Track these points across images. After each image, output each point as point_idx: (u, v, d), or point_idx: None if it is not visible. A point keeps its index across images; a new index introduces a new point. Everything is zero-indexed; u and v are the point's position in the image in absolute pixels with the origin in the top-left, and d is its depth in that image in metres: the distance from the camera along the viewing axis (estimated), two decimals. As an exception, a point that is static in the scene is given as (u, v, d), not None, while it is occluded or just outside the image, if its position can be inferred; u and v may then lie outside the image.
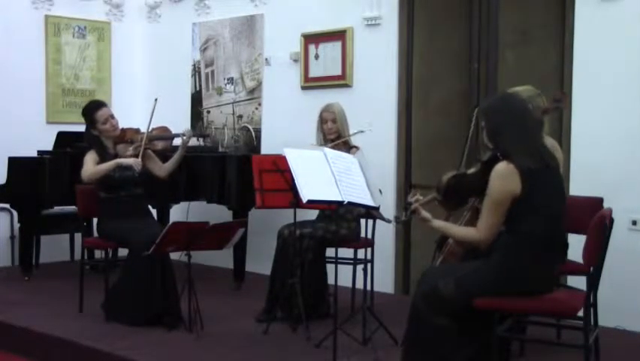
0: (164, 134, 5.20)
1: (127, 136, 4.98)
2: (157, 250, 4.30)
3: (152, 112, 4.91)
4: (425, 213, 3.40)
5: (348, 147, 4.72)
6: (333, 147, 4.32)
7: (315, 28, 6.18)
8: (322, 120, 4.86)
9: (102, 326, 4.63)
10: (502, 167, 3.12)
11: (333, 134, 4.82)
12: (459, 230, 3.36)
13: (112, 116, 4.96)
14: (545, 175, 3.13)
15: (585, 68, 4.77)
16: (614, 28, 4.65)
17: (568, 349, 3.63)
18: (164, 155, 5.18)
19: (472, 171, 3.37)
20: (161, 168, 5.10)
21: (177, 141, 5.20)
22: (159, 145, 5.14)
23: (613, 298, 4.36)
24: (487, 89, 5.28)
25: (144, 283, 4.57)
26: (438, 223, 3.38)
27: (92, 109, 4.97)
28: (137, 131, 5.04)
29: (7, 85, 6.73)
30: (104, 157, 4.87)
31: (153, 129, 5.06)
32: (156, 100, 4.91)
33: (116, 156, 4.91)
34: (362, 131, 4.67)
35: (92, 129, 4.95)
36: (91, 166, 4.82)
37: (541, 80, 4.90)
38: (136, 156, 4.86)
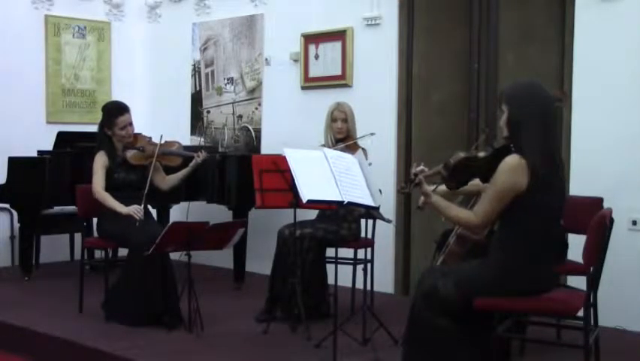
0: (178, 151, 5.11)
1: (138, 143, 4.95)
2: (157, 250, 4.30)
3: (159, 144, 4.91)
4: (426, 188, 3.34)
5: (356, 149, 4.70)
6: (344, 149, 4.30)
7: (315, 28, 6.18)
8: (332, 119, 4.82)
9: (102, 326, 4.63)
10: (514, 160, 3.08)
11: (343, 134, 4.80)
12: (455, 210, 3.30)
13: (130, 124, 4.91)
14: (552, 176, 3.12)
15: (585, 68, 4.77)
16: (614, 28, 4.65)
17: (568, 349, 3.63)
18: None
19: (482, 154, 3.33)
20: (164, 181, 5.07)
21: None
22: (172, 161, 5.06)
23: (613, 298, 4.36)
24: (487, 90, 5.29)
25: (144, 283, 4.57)
26: (436, 199, 3.32)
27: (116, 112, 4.90)
28: (149, 141, 5.02)
29: (7, 85, 6.73)
30: (112, 159, 4.86)
31: (166, 142, 5.02)
32: (162, 137, 4.92)
33: (124, 160, 4.89)
34: (373, 134, 4.64)
35: (106, 128, 4.91)
36: (100, 178, 4.80)
37: (542, 80, 4.85)
38: (146, 165, 4.87)
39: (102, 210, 4.88)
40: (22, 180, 5.92)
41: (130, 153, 4.90)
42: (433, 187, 3.40)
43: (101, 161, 4.85)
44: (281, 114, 6.49)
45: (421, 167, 3.41)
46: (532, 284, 3.15)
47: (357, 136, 4.80)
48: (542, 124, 3.13)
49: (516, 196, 3.09)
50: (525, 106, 3.15)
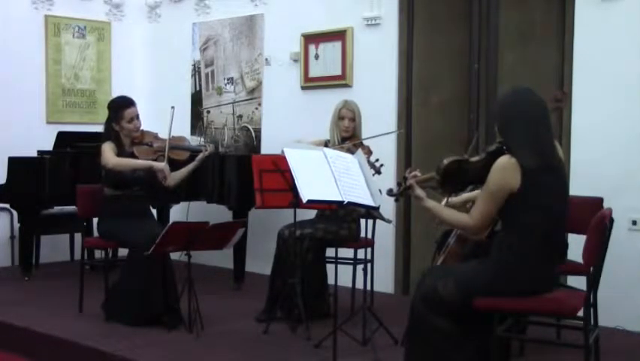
0: (186, 145, 5.11)
1: (145, 139, 4.93)
2: (157, 250, 4.30)
3: (171, 120, 4.84)
4: (419, 192, 3.39)
5: (358, 148, 4.69)
6: (352, 147, 4.29)
7: (315, 28, 6.18)
8: (339, 117, 4.79)
9: (102, 326, 4.63)
10: (504, 160, 3.12)
11: (349, 132, 4.78)
12: (450, 213, 3.34)
13: (137, 117, 4.89)
14: (547, 175, 3.12)
15: (585, 68, 4.77)
16: (614, 28, 4.65)
17: (568, 349, 3.63)
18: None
19: (475, 159, 3.35)
20: (170, 177, 5.01)
21: None
22: (180, 155, 5.03)
23: (613, 298, 4.36)
24: (487, 89, 5.29)
25: (144, 283, 4.57)
26: (430, 203, 3.36)
27: (122, 105, 4.88)
28: (156, 136, 5.01)
29: (7, 85, 6.73)
30: (120, 154, 4.83)
31: (173, 137, 5.00)
32: (173, 108, 4.85)
33: (132, 155, 4.85)
34: (401, 130, 4.65)
35: (114, 123, 4.87)
36: (113, 154, 4.76)
37: (541, 80, 4.91)
38: (154, 160, 4.86)
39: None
40: (22, 180, 5.92)
41: (138, 148, 4.88)
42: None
43: (109, 146, 4.79)
44: (281, 114, 6.48)
45: (415, 172, 3.44)
46: (533, 284, 3.15)
47: (362, 136, 4.79)
48: (529, 123, 3.16)
49: (510, 195, 3.10)
50: (510, 107, 3.23)
